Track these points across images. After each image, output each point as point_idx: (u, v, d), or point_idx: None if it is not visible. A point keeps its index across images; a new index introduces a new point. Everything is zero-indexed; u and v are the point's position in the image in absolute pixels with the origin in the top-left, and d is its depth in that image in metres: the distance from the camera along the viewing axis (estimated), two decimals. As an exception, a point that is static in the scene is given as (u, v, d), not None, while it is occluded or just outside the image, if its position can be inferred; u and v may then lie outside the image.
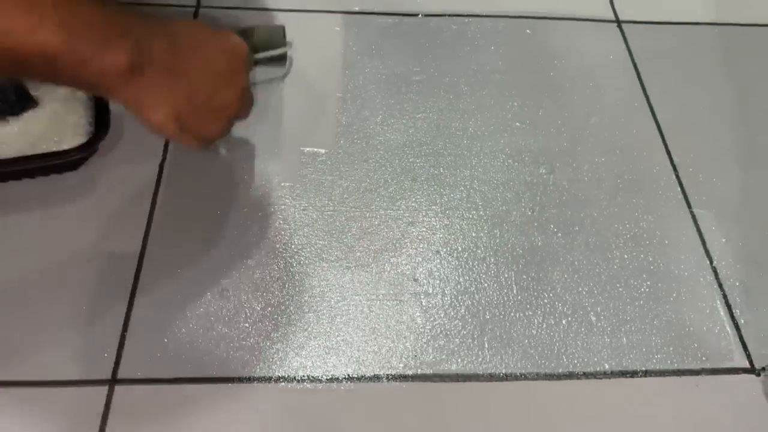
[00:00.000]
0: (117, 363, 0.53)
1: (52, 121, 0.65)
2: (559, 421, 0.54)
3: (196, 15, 0.78)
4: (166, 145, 0.66)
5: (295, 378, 0.54)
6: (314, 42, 0.76)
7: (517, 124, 0.72)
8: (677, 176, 0.70)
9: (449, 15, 0.81)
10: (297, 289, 0.58)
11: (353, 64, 0.75)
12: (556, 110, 0.74)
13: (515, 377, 0.56)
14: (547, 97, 0.75)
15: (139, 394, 0.52)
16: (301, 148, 0.68)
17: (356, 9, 0.81)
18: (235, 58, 0.52)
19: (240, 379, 0.53)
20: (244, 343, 0.55)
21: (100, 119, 0.63)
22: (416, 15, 0.81)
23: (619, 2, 0.86)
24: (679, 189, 0.69)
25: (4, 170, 0.61)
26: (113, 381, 0.52)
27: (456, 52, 0.78)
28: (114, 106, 0.64)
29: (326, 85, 0.73)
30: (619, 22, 0.84)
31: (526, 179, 0.68)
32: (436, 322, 0.58)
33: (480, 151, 0.69)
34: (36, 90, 0.67)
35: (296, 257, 0.60)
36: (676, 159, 0.71)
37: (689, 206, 0.67)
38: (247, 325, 0.56)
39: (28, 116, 0.66)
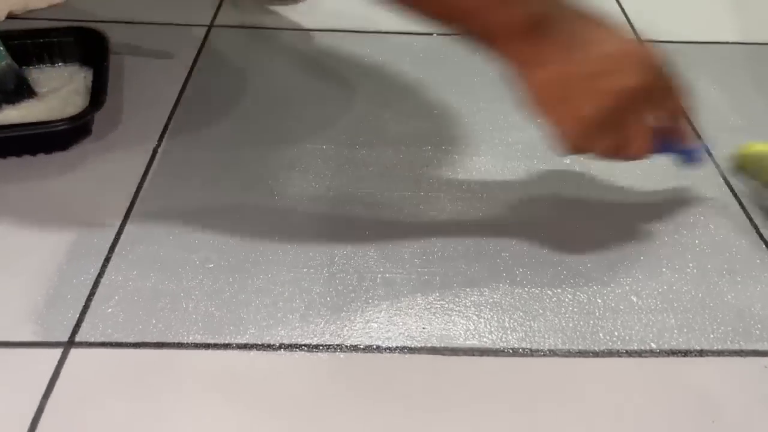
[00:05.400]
0: (77, 326, 0.46)
1: (51, 114, 0.63)
2: (597, 403, 0.44)
3: (207, 36, 0.78)
4: (162, 133, 0.63)
5: (277, 345, 0.46)
6: (328, 57, 0.76)
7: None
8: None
9: (464, 34, 0.80)
10: (280, 262, 0.52)
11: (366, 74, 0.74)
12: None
13: (542, 353, 0.47)
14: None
15: (96, 359, 0.45)
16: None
17: (371, 29, 0.80)
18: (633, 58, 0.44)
19: (216, 346, 0.46)
20: (221, 310, 0.48)
21: (95, 98, 0.60)
22: (431, 35, 0.80)
23: (637, 23, 0.84)
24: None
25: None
26: (70, 344, 0.45)
27: (466, 65, 0.75)
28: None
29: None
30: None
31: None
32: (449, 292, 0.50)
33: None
34: (39, 87, 0.65)
35: (286, 240, 0.55)
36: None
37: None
38: (226, 293, 0.49)
39: (26, 106, 0.64)
